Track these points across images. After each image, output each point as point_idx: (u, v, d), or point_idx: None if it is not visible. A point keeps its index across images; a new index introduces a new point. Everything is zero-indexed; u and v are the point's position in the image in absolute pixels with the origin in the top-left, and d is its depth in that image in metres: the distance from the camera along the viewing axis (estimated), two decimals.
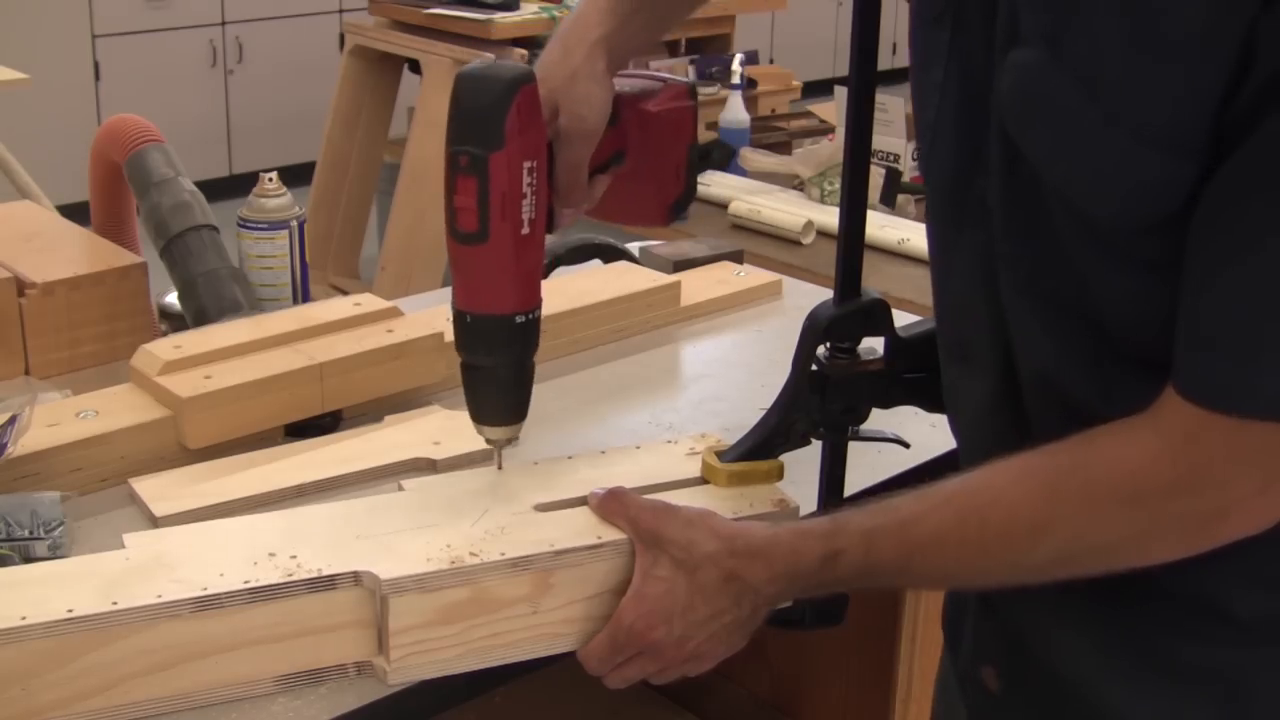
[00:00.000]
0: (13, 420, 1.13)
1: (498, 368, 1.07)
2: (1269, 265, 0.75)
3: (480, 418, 1.10)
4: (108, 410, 1.23)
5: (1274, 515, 0.82)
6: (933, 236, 1.00)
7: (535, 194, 1.02)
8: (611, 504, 1.04)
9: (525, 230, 1.02)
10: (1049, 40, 0.81)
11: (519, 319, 1.05)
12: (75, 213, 1.79)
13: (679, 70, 4.08)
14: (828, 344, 1.07)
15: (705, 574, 0.96)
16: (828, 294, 1.08)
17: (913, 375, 1.08)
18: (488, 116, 0.99)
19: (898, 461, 1.22)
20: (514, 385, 1.09)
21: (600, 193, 1.13)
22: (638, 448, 1.19)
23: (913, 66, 0.98)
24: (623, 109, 1.11)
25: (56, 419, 1.21)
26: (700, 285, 1.66)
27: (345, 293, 2.45)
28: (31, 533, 1.06)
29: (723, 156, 3.13)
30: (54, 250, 1.53)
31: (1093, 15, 0.79)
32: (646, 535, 1.00)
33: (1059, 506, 0.86)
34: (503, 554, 1.00)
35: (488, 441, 1.12)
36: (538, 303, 1.07)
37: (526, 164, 1.00)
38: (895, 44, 5.06)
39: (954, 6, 0.92)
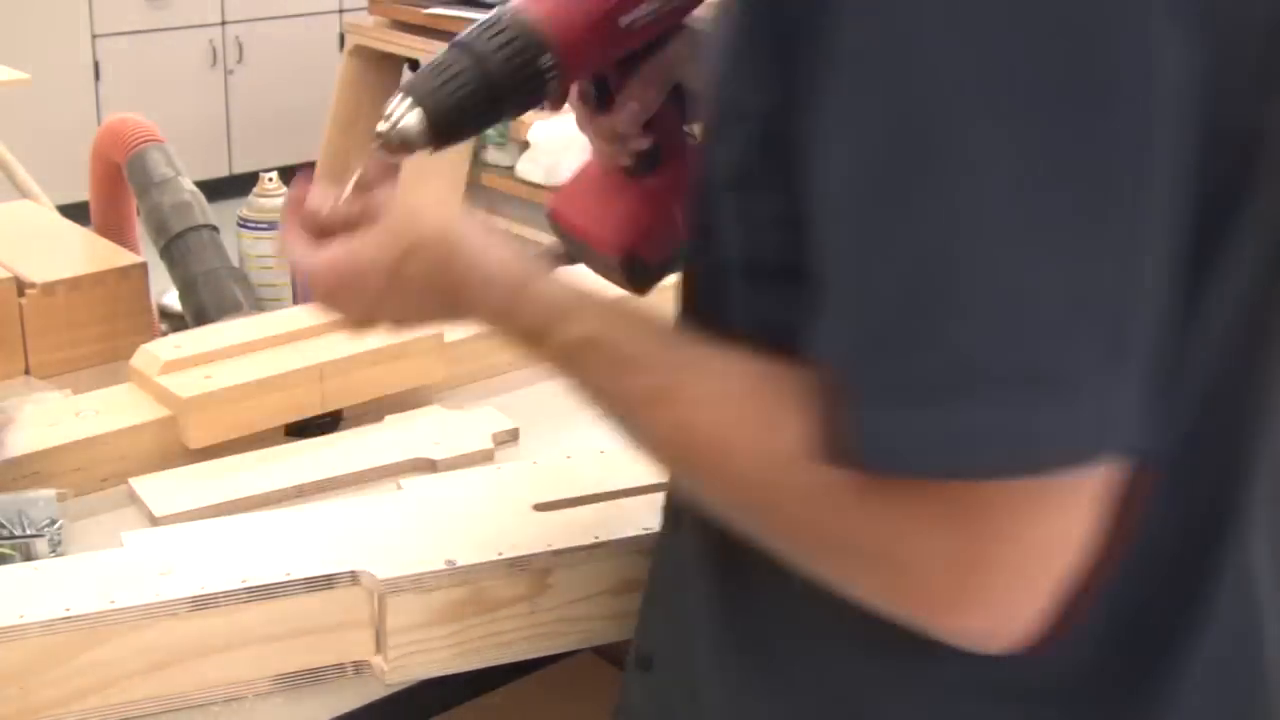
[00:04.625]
0: (8, 419, 1.13)
1: (481, 70, 0.86)
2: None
3: (413, 88, 0.87)
4: (108, 410, 1.23)
5: (1000, 637, 0.64)
6: None
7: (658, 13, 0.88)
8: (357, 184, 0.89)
9: (624, 21, 0.88)
10: None
11: (546, 59, 0.86)
12: (75, 213, 1.79)
13: None
14: None
15: (422, 256, 0.83)
16: None
17: None
18: None
19: None
20: (477, 94, 0.86)
21: (633, 145, 0.95)
22: None
23: None
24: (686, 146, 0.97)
25: (56, 419, 1.21)
26: None
27: None
28: (25, 531, 1.06)
29: None
30: (54, 250, 1.53)
31: None
32: (380, 209, 0.86)
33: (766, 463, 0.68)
34: (500, 554, 1.00)
35: (383, 119, 0.87)
36: (571, 73, 0.88)
37: None
38: None
39: None
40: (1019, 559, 0.61)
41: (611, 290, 0.86)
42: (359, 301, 0.85)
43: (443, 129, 0.86)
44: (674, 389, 0.73)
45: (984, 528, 0.61)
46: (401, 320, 0.87)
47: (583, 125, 0.99)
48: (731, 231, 0.74)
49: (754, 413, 0.69)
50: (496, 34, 0.86)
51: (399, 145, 0.87)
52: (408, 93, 0.86)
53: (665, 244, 0.96)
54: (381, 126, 0.87)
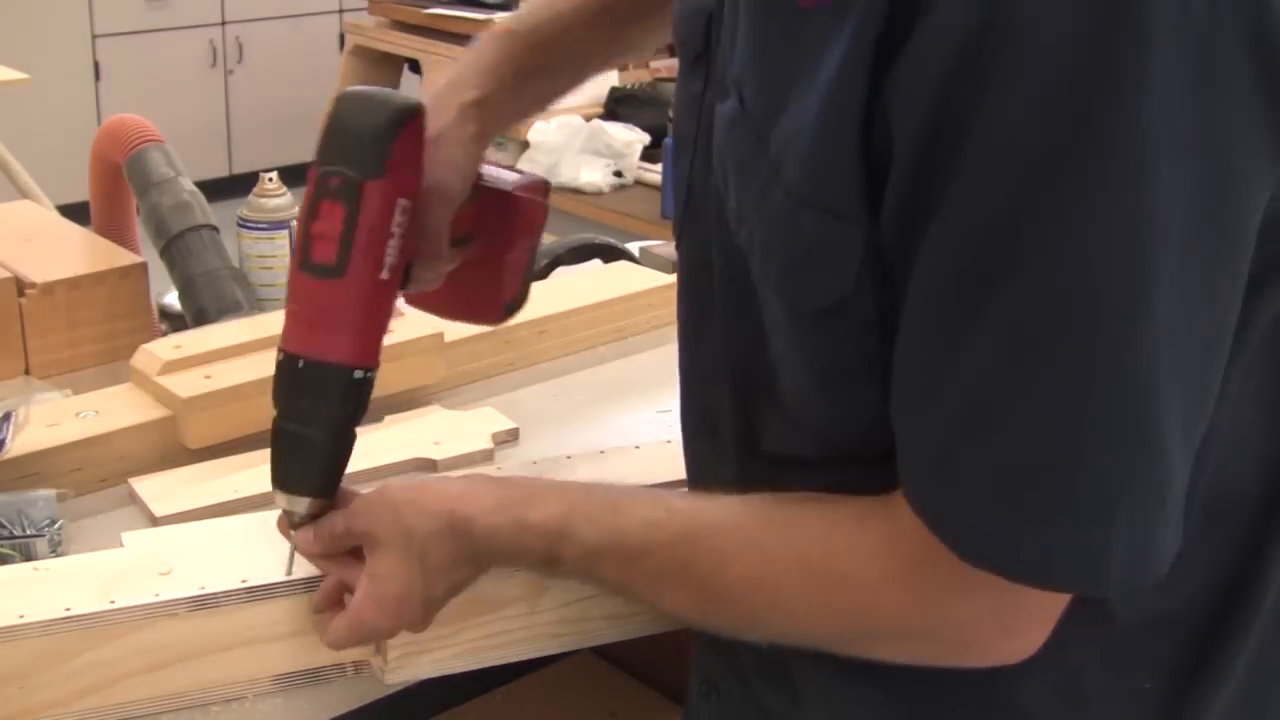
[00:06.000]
0: (8, 417, 1.13)
1: (321, 427, 0.90)
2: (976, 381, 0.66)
3: (285, 482, 0.92)
4: (108, 410, 1.23)
5: (1022, 655, 0.73)
6: (683, 300, 0.96)
7: (401, 240, 0.89)
8: (320, 536, 0.92)
9: (385, 275, 0.88)
10: (738, 86, 0.74)
11: (357, 374, 0.89)
12: (75, 213, 1.79)
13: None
14: None
15: (434, 557, 0.88)
16: None
17: None
18: (371, 139, 0.87)
19: None
20: (332, 452, 0.91)
21: (453, 267, 0.99)
22: (637, 448, 1.19)
23: (675, 106, 0.92)
24: (482, 190, 1.01)
25: (56, 419, 1.21)
26: None
27: None
28: (25, 531, 1.06)
29: None
30: (54, 250, 1.53)
31: (766, 55, 0.72)
32: (364, 538, 0.90)
33: (784, 588, 0.77)
34: None
35: (286, 511, 0.93)
36: (377, 364, 0.91)
37: (401, 202, 0.88)
38: None
39: (706, 56, 0.82)
40: (1051, 601, 0.71)
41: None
42: (410, 615, 0.90)
43: (328, 486, 0.92)
44: (694, 557, 0.80)
45: (1027, 592, 0.69)
46: (448, 597, 0.91)
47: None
48: (805, 344, 0.76)
49: (816, 559, 0.76)
50: (305, 393, 0.89)
51: (309, 519, 0.92)
52: (281, 488, 0.92)
53: (523, 283, 1.06)
54: (284, 517, 0.93)
